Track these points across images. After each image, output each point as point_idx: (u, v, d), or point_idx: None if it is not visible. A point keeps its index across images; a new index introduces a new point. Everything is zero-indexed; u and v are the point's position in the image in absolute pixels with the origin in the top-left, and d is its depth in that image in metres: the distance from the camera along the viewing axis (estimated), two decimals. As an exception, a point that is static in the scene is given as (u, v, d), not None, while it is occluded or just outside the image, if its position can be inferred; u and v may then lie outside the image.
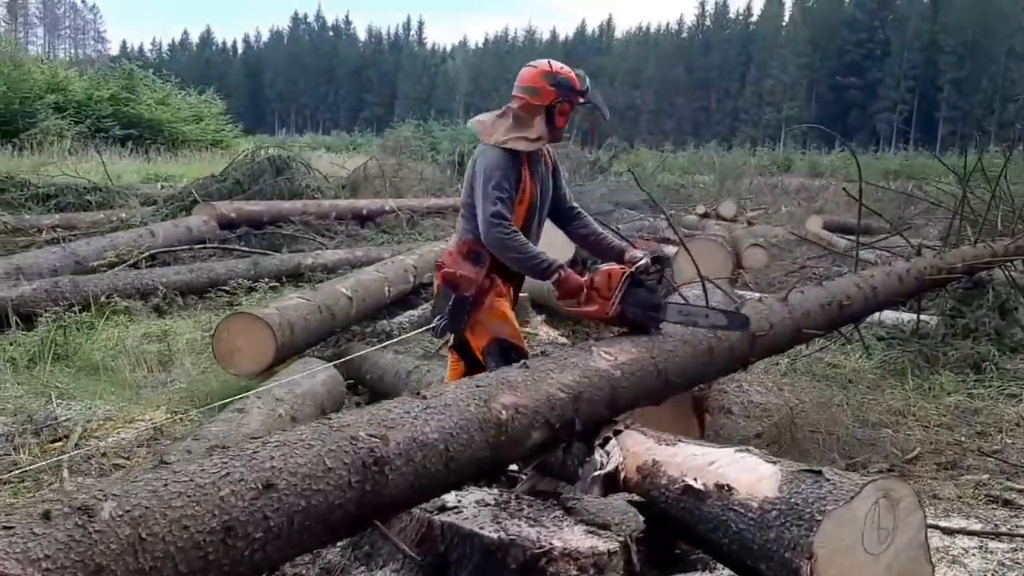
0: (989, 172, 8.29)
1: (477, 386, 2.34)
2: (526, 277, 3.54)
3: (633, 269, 3.15)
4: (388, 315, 6.67)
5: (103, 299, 5.95)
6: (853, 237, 12.45)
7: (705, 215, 17.38)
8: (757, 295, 6.86)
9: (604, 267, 3.24)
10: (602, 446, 2.68)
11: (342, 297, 5.16)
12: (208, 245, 8.61)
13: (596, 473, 2.59)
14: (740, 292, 7.76)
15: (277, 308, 4.44)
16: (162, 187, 16.15)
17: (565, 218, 3.63)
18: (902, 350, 6.25)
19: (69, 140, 21.95)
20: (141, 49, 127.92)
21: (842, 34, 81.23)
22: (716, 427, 4.65)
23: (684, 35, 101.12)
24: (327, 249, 9.31)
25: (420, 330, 4.89)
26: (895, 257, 6.19)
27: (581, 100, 3.33)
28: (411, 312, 6.69)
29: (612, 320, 3.17)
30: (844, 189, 5.92)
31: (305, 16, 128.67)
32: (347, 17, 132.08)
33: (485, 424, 2.24)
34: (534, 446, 2.44)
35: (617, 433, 2.72)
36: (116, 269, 7.25)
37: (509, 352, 3.26)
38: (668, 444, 2.57)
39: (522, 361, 2.59)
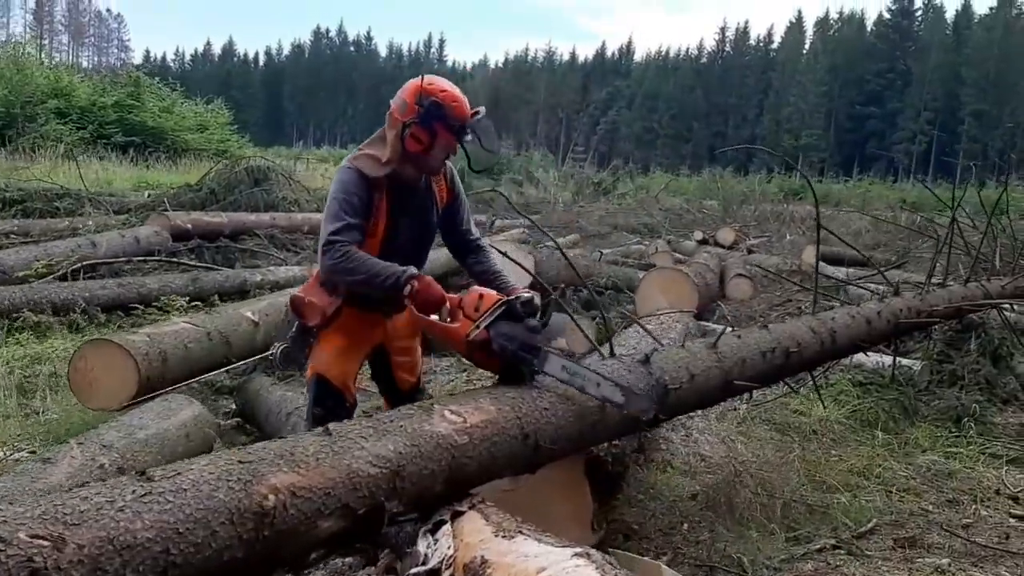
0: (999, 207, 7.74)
1: (240, 462, 1.82)
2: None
3: (512, 298, 2.72)
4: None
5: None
6: (851, 269, 11.95)
7: (703, 241, 16.83)
8: (727, 329, 6.34)
9: (478, 289, 2.82)
10: (432, 532, 2.15)
11: (244, 321, 4.64)
12: (152, 258, 8.13)
13: (415, 570, 2.06)
14: (712, 326, 7.24)
15: (149, 334, 3.92)
16: (148, 195, 15.77)
17: (464, 251, 3.25)
18: (879, 398, 5.68)
19: (62, 146, 21.61)
20: (164, 58, 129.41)
21: (863, 63, 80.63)
22: (649, 485, 4.12)
23: (703, 60, 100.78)
24: (287, 265, 8.82)
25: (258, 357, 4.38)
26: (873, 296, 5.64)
27: (448, 132, 2.87)
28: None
29: (474, 348, 2.67)
30: (816, 217, 5.40)
31: (327, 31, 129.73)
32: (368, 33, 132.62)
33: (240, 514, 1.72)
34: (326, 538, 1.91)
35: (457, 515, 2.19)
36: (43, 280, 6.79)
37: (326, 393, 3.04)
38: (506, 536, 2.03)
39: (325, 427, 2.06)
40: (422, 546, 2.11)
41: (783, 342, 3.77)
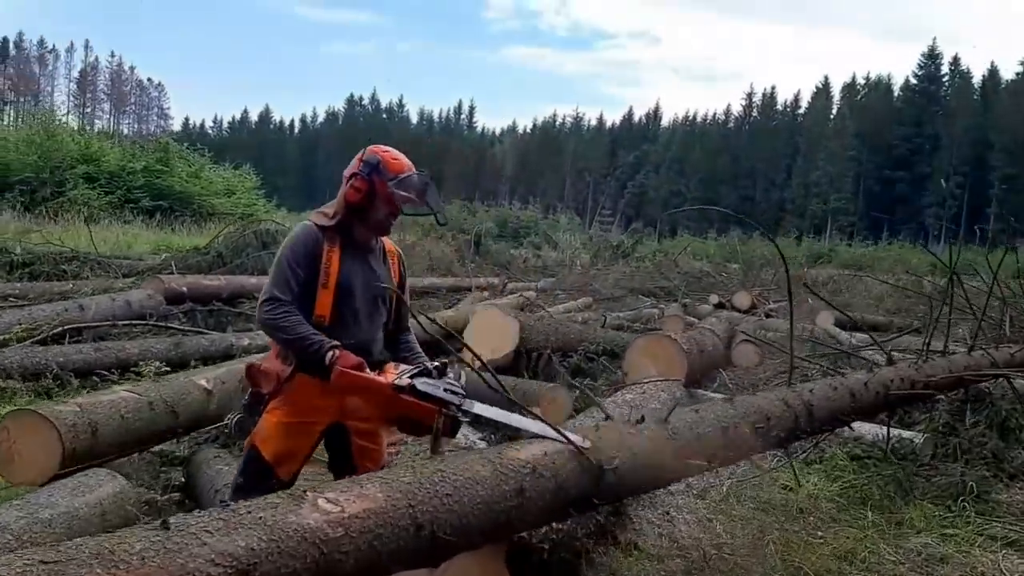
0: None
1: (43, 562, 1.61)
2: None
3: (428, 365, 2.91)
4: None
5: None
6: (865, 336, 11.52)
7: (720, 305, 16.53)
8: (716, 397, 6.04)
9: (393, 363, 3.03)
10: (293, 639, 1.91)
11: (196, 390, 4.44)
12: (141, 322, 8.02)
13: None
14: (709, 394, 6.96)
15: (80, 404, 3.73)
16: (164, 258, 15.83)
17: (395, 328, 3.37)
18: (875, 473, 5.35)
19: (86, 209, 21.94)
20: (202, 126, 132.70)
21: (891, 128, 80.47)
22: (611, 571, 3.83)
23: (730, 125, 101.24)
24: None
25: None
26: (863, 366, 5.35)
27: (382, 183, 3.08)
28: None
29: (399, 396, 2.79)
30: (806, 284, 5.16)
31: (360, 98, 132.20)
32: (401, 100, 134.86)
33: (32, 623, 1.51)
34: (154, 646, 1.69)
35: (326, 618, 1.96)
36: (20, 344, 6.68)
37: (253, 465, 3.06)
38: (364, 647, 1.80)
39: (163, 520, 1.85)
40: (277, 655, 1.87)
41: (749, 416, 3.51)
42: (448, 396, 2.78)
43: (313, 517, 2.00)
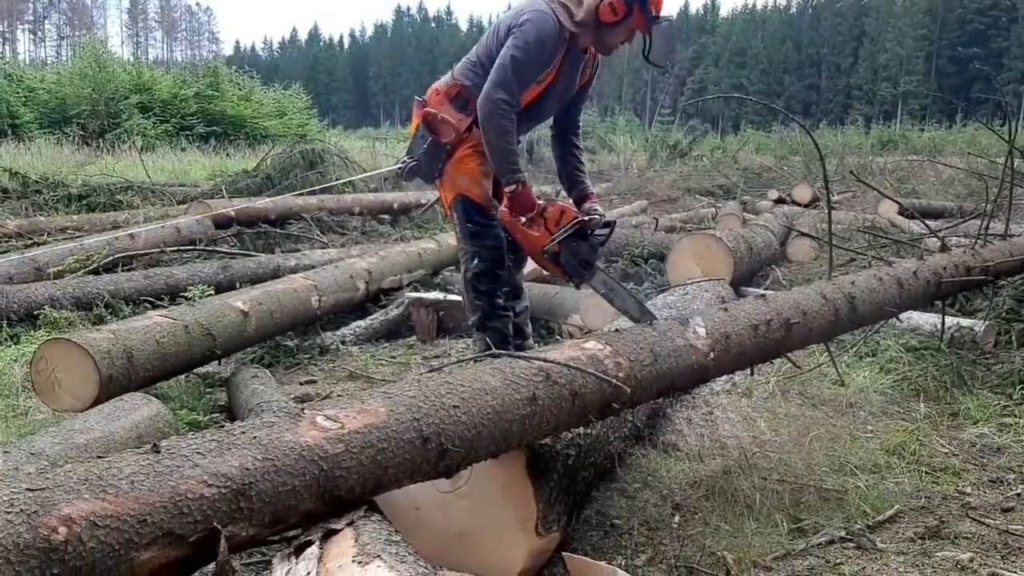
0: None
1: (28, 490, 1.62)
2: None
3: (587, 219, 3.21)
4: (335, 326, 6.03)
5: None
6: (936, 223, 11.10)
7: (780, 200, 16.12)
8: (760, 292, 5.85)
9: (559, 203, 3.28)
10: (296, 555, 1.91)
11: (232, 312, 4.45)
12: (190, 247, 8.11)
13: (267, 599, 1.84)
14: (756, 291, 6.78)
15: (113, 331, 3.77)
16: (214, 184, 15.96)
17: (565, 140, 3.62)
18: (933, 364, 5.16)
19: (141, 139, 22.19)
20: (253, 48, 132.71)
21: (963, 2, 76.18)
22: (648, 472, 3.79)
23: (792, 11, 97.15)
24: (327, 248, 8.71)
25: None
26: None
27: (640, 17, 3.12)
28: (359, 323, 6.00)
29: (545, 256, 3.21)
30: (852, 172, 4.89)
31: (408, 8, 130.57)
32: (448, 7, 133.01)
33: (19, 552, 1.51)
34: (152, 571, 1.70)
35: (331, 535, 1.95)
36: (74, 275, 6.83)
37: (472, 210, 3.38)
38: (362, 563, 1.78)
39: (153, 443, 1.84)
40: (279, 572, 1.88)
41: (783, 313, 3.37)
42: (581, 270, 3.18)
43: (311, 435, 1.97)
